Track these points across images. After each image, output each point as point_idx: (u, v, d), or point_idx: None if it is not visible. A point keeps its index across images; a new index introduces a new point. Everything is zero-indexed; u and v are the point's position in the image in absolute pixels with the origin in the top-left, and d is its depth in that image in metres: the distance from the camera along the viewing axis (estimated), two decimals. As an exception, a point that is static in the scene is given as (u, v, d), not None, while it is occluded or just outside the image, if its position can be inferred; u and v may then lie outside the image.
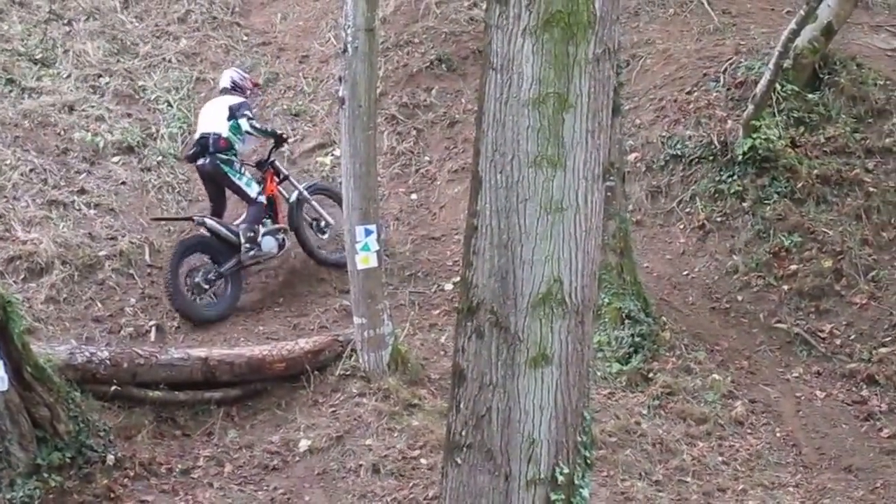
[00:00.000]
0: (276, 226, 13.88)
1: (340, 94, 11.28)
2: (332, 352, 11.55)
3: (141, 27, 17.36)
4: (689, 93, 15.66)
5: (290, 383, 11.37)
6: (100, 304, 13.10)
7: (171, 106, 16.03)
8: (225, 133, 13.60)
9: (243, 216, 13.74)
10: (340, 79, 11.33)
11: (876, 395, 12.46)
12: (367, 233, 11.22)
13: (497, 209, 6.32)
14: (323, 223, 14.14)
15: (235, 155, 13.68)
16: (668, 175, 14.89)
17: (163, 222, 14.10)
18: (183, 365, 10.91)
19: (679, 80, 15.94)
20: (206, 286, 13.32)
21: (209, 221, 13.46)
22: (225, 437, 10.82)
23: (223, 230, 13.42)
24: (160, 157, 15.26)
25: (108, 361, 10.50)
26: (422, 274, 14.06)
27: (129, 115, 15.72)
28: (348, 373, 11.34)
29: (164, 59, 16.84)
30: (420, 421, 10.79)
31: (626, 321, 12.45)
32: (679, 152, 14.95)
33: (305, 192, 14.04)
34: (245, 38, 17.68)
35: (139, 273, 13.50)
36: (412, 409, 10.99)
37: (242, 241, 13.34)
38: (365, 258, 11.23)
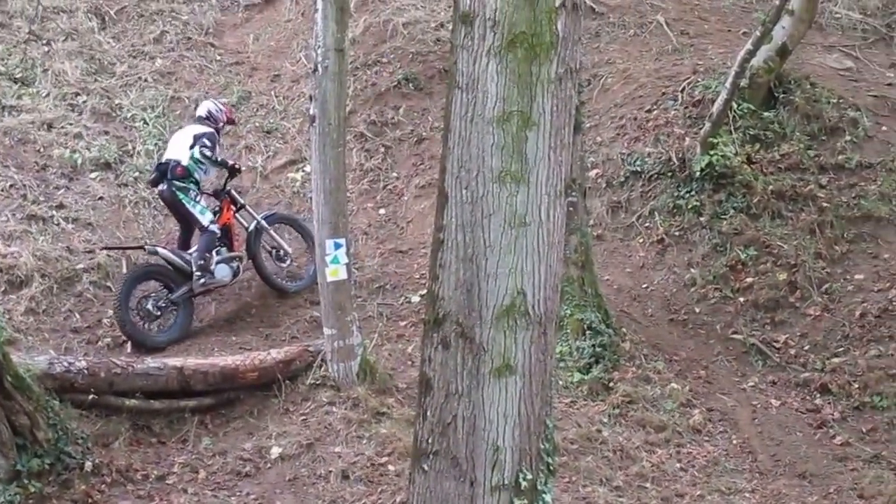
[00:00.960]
0: (231, 254, 13.89)
1: (311, 112, 11.41)
2: (302, 362, 11.64)
3: (118, 47, 17.53)
4: (648, 111, 15.82)
5: (263, 392, 11.48)
6: (78, 316, 13.28)
7: (147, 124, 16.22)
8: (185, 161, 13.57)
9: (196, 245, 13.66)
10: (311, 97, 11.46)
11: (829, 403, 12.54)
12: (337, 246, 11.33)
13: (462, 224, 6.40)
14: (282, 252, 14.18)
15: (195, 183, 13.63)
16: (627, 191, 15.06)
17: (115, 251, 14.02)
18: (158, 374, 11.01)
19: (639, 98, 16.10)
20: (158, 313, 13.29)
21: (161, 250, 13.43)
22: (199, 445, 10.89)
23: (176, 259, 13.40)
24: (136, 174, 15.44)
25: (85, 371, 10.61)
26: (390, 286, 14.19)
27: (107, 133, 15.93)
28: (318, 382, 11.44)
29: (140, 78, 17.04)
30: (388, 429, 10.86)
31: (588, 332, 12.53)
32: (639, 169, 15.14)
33: (263, 222, 14.01)
34: (218, 58, 17.81)
35: (116, 285, 13.62)
36: (380, 418, 11.07)
37: (194, 269, 13.34)
38: (334, 271, 11.34)
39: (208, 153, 13.61)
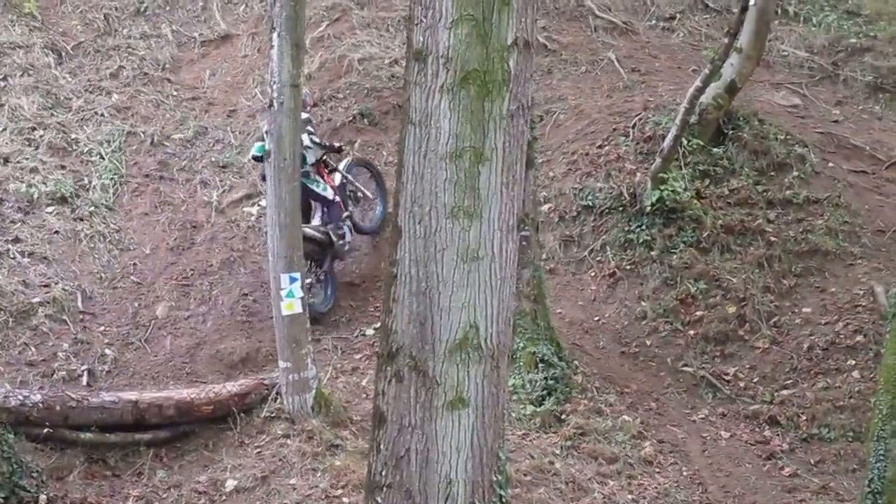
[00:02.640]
0: (345, 213, 14.71)
1: (266, 147, 11.46)
2: (257, 395, 11.65)
3: (74, 82, 17.52)
4: (599, 147, 15.90)
5: (218, 425, 11.46)
6: (33, 349, 13.25)
7: (104, 158, 16.17)
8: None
9: (318, 216, 14.58)
10: (266, 133, 11.50)
11: (778, 435, 12.62)
12: (292, 280, 11.35)
13: (416, 258, 6.47)
14: (360, 194, 15.15)
15: (307, 165, 14.27)
16: (580, 225, 15.13)
17: None
18: (114, 408, 11.02)
19: (590, 134, 16.18)
20: (318, 285, 14.14)
21: (304, 229, 13.87)
22: (154, 478, 10.89)
23: (315, 233, 14.12)
24: (92, 208, 15.40)
25: (40, 404, 10.64)
26: (345, 320, 14.24)
27: (63, 167, 15.88)
28: (273, 415, 11.43)
29: (96, 112, 16.99)
30: (342, 461, 10.85)
31: (540, 365, 12.54)
32: (590, 203, 15.21)
33: (347, 175, 14.93)
34: (175, 93, 17.78)
35: (72, 319, 13.61)
36: (335, 450, 11.06)
37: (335, 238, 14.26)
38: (290, 304, 11.35)
39: (316, 139, 14.54)
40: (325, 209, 14.60)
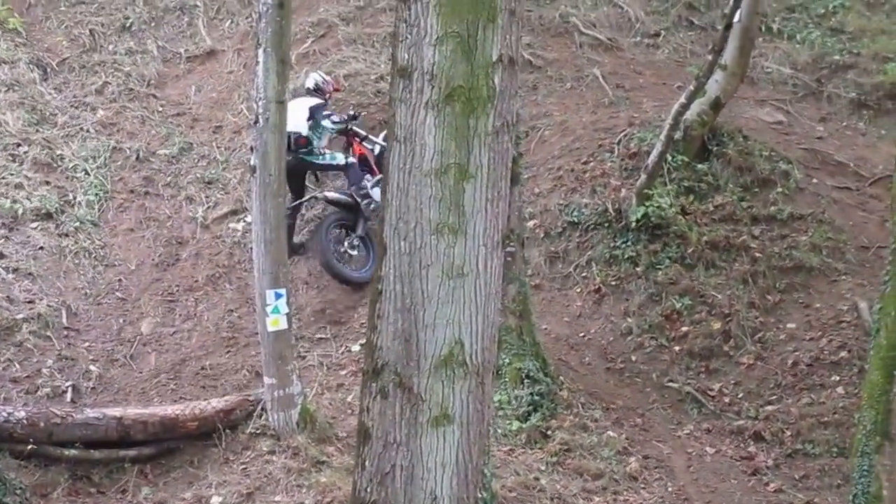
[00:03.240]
0: (378, 177, 14.96)
1: (252, 163, 11.41)
2: (243, 411, 11.57)
3: (59, 98, 17.55)
4: (585, 163, 15.93)
5: (203, 441, 11.36)
6: (17, 366, 13.23)
7: (89, 174, 16.20)
8: (304, 132, 15.26)
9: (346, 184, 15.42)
10: (252, 148, 11.46)
11: (763, 451, 12.61)
12: (278, 296, 11.29)
13: (401, 274, 6.48)
14: None
15: (314, 147, 15.32)
16: (565, 241, 15.14)
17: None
18: (98, 424, 10.92)
19: (575, 150, 16.21)
20: (354, 252, 14.75)
21: (328, 194, 15.15)
22: (139, 494, 10.79)
23: (341, 197, 14.88)
24: (77, 224, 15.42)
25: (24, 421, 10.54)
26: (330, 336, 14.22)
27: (48, 183, 15.89)
28: (259, 431, 11.37)
29: (81, 128, 17.03)
30: (328, 478, 10.77)
31: (526, 381, 12.53)
32: (576, 219, 15.23)
33: (384, 143, 14.85)
34: (160, 109, 17.80)
35: (56, 335, 13.60)
36: (320, 467, 10.99)
37: (358, 199, 14.75)
38: (275, 321, 11.28)
39: (336, 118, 15.49)
40: (346, 176, 15.33)
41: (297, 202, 15.47)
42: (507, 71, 6.55)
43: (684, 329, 14.14)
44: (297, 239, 15.38)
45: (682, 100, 14.59)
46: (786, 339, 13.93)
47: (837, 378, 13.33)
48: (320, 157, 15.41)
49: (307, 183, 15.86)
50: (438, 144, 6.45)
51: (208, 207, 15.93)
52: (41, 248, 14.94)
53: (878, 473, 10.18)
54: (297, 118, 15.02)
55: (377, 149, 15.51)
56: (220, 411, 11.56)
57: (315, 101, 15.61)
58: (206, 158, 16.96)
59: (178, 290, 14.63)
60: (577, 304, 14.66)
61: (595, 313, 14.54)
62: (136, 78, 18.20)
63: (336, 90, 16.50)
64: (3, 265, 14.48)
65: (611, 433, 12.47)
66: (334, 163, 15.44)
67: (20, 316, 13.78)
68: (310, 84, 16.06)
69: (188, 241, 15.53)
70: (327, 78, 16.28)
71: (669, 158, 15.22)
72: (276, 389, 11.43)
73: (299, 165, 15.30)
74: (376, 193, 14.73)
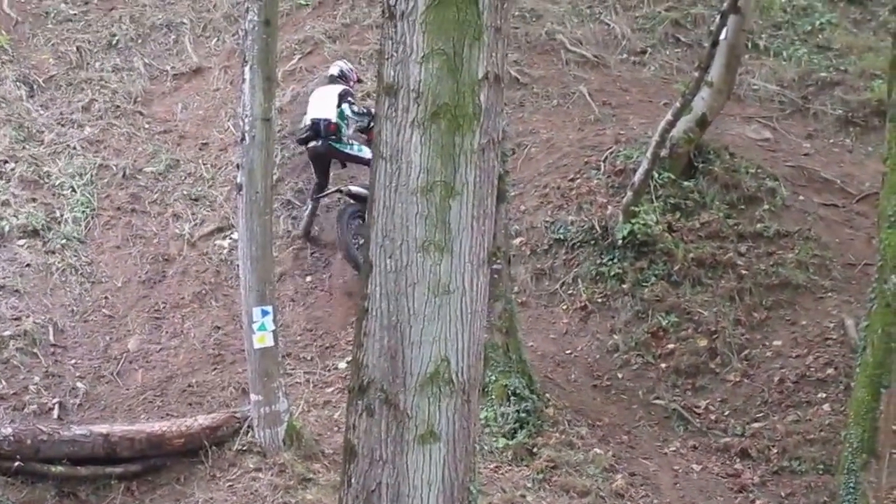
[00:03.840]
0: None
1: (238, 180, 11.45)
2: (229, 428, 11.61)
3: (46, 115, 17.50)
4: (571, 180, 15.98)
5: (189, 458, 11.40)
6: (4, 383, 13.20)
7: (75, 191, 16.15)
8: (334, 119, 15.44)
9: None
10: (238, 166, 11.51)
11: (749, 468, 12.65)
12: (264, 313, 11.35)
13: (387, 292, 6.41)
14: None
15: (343, 135, 15.43)
16: (551, 258, 15.18)
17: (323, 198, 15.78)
18: (85, 441, 10.97)
19: (562, 167, 16.26)
20: None
21: (353, 187, 15.19)
22: (125, 512, 10.82)
23: (362, 191, 14.63)
24: (64, 241, 15.38)
25: (11, 438, 10.60)
26: (317, 353, 14.21)
27: (34, 200, 15.85)
28: (245, 448, 11.41)
29: (68, 146, 16.98)
30: (314, 495, 10.83)
31: (512, 398, 12.54)
32: (562, 236, 15.27)
33: None
34: (147, 126, 17.76)
35: (43, 352, 13.59)
36: (307, 484, 11.04)
37: None
38: (262, 338, 11.35)
39: (356, 108, 15.60)
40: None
41: (323, 193, 15.69)
42: (493, 88, 6.52)
43: (670, 346, 14.18)
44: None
45: (669, 117, 14.66)
46: (772, 357, 13.96)
47: (824, 395, 13.37)
48: (349, 147, 15.55)
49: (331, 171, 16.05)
50: (424, 162, 6.37)
51: (195, 225, 15.90)
52: (28, 265, 14.91)
53: (865, 491, 10.23)
54: (326, 104, 15.53)
55: None
56: (207, 428, 11.60)
57: (341, 86, 15.86)
58: (192, 176, 16.94)
59: (164, 308, 14.61)
60: (564, 322, 14.69)
61: (581, 330, 14.57)
62: (122, 95, 18.18)
63: (359, 80, 16.75)
64: (-10, 282, 14.45)
65: (597, 450, 12.47)
66: (362, 155, 15.42)
67: (7, 333, 13.76)
68: (334, 71, 16.37)
69: (175, 259, 15.51)
70: (351, 66, 16.63)
71: (656, 176, 15.27)
72: (262, 406, 11.46)
73: (328, 152, 15.54)
74: None
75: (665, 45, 19.29)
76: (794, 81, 18.46)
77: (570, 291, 14.90)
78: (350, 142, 15.56)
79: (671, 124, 14.71)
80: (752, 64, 18.65)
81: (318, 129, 15.39)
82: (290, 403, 11.88)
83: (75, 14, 19.66)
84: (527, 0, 19.47)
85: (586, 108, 17.75)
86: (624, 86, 18.50)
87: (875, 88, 17.70)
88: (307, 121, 15.69)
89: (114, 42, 19.16)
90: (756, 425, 13.25)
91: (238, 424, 11.69)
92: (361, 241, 14.53)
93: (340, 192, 15.57)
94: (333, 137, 15.41)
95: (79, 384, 13.54)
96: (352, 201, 15.32)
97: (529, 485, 11.74)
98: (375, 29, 18.16)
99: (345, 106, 15.51)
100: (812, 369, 13.63)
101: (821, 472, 12.48)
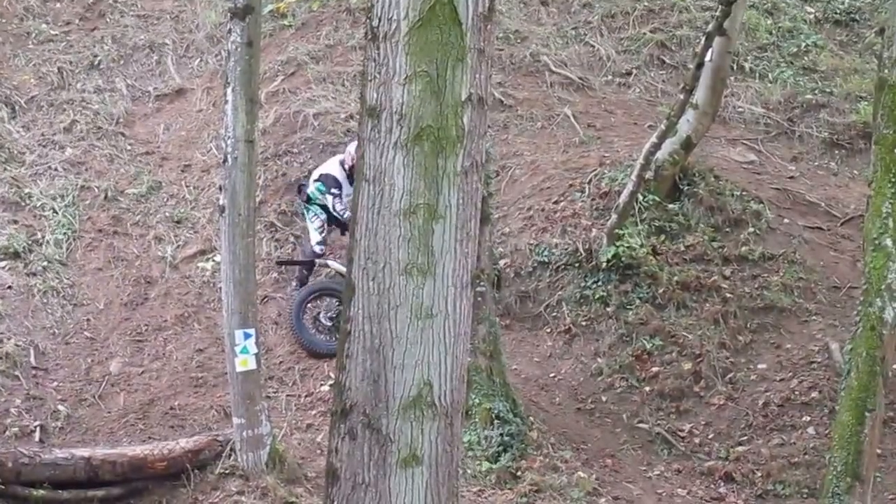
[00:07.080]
0: None
1: (221, 202, 11.39)
2: (211, 451, 11.53)
3: (27, 136, 17.41)
4: (555, 202, 15.96)
5: (171, 482, 11.34)
6: (-15, 405, 13.11)
7: (57, 213, 16.06)
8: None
9: None
10: (221, 188, 11.47)
11: (733, 491, 12.66)
12: (247, 336, 11.27)
13: (369, 315, 6.40)
14: None
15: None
16: (535, 281, 15.15)
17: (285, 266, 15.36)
18: (66, 464, 10.93)
19: (546, 190, 16.24)
20: (329, 324, 14.31)
21: (331, 262, 14.71)
22: (106, 535, 10.77)
23: (343, 268, 14.12)
24: (46, 263, 15.28)
25: (-8, 461, 10.51)
26: (299, 376, 14.16)
27: (16, 222, 15.79)
28: (228, 471, 11.33)
29: (49, 167, 16.89)
30: (297, 518, 10.76)
31: (496, 421, 12.49)
32: (546, 259, 15.24)
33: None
34: (129, 148, 17.69)
35: (24, 375, 13.53)
36: (289, 508, 10.99)
37: None
38: (244, 361, 11.27)
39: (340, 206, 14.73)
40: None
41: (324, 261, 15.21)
42: (477, 110, 6.51)
43: (655, 369, 14.17)
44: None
45: (654, 139, 14.65)
46: (757, 380, 13.99)
47: (808, 419, 13.40)
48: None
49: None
50: (407, 184, 6.38)
51: (177, 247, 15.85)
52: (9, 287, 14.86)
53: (849, 515, 10.18)
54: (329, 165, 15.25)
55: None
56: (189, 451, 11.54)
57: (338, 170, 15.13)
58: (174, 197, 16.87)
59: (146, 330, 14.56)
60: (548, 345, 14.69)
61: (565, 353, 14.56)
62: (104, 116, 18.12)
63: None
64: (-29, 304, 14.38)
65: (581, 474, 12.41)
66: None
67: (-13, 355, 13.69)
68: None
69: (157, 281, 15.46)
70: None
71: (640, 198, 15.27)
72: (245, 430, 11.40)
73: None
74: None
75: (650, 67, 19.32)
76: (780, 104, 18.53)
77: (554, 314, 14.90)
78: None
79: (656, 146, 14.70)
80: (737, 86, 18.72)
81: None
82: (273, 426, 11.79)
83: (57, 34, 19.59)
84: (511, 21, 19.49)
85: (571, 130, 17.74)
86: (609, 108, 18.53)
87: (861, 111, 17.79)
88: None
89: (96, 63, 19.09)
90: (740, 449, 13.26)
91: (220, 448, 11.60)
92: (326, 331, 14.55)
93: (315, 263, 15.19)
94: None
95: (60, 407, 13.48)
96: (312, 287, 14.88)
97: (513, 509, 11.67)
98: (359, 50, 18.14)
99: (328, 196, 14.89)
100: (796, 393, 13.68)
101: (805, 495, 12.52)
